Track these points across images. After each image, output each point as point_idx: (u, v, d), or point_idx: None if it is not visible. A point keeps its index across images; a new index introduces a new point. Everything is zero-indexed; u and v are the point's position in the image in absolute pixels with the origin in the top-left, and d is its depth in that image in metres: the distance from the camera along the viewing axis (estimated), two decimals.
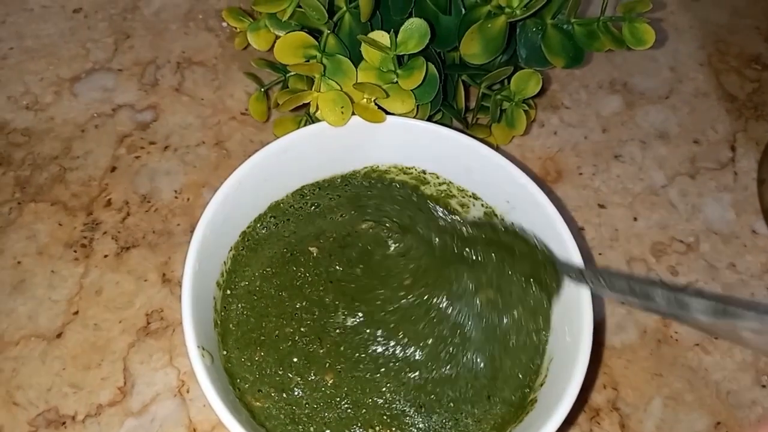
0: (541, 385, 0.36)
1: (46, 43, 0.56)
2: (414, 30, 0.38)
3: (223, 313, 0.37)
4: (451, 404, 0.36)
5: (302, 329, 0.37)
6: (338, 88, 0.39)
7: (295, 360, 0.36)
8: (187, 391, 0.43)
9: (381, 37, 0.39)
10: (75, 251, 0.47)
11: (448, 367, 0.36)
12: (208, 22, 0.59)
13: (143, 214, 0.49)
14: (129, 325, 0.45)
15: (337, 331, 0.37)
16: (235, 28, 0.48)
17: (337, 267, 0.39)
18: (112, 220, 0.48)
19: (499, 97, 0.46)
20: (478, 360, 0.36)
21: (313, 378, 0.36)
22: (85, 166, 0.51)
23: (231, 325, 0.37)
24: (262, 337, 0.37)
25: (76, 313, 0.45)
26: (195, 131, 0.53)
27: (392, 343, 0.36)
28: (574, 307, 0.36)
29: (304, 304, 0.38)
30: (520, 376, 0.37)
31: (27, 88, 0.54)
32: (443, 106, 0.46)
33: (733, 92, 0.60)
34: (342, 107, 0.38)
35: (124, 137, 0.52)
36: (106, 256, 0.47)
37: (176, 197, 0.50)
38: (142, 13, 0.59)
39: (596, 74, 0.60)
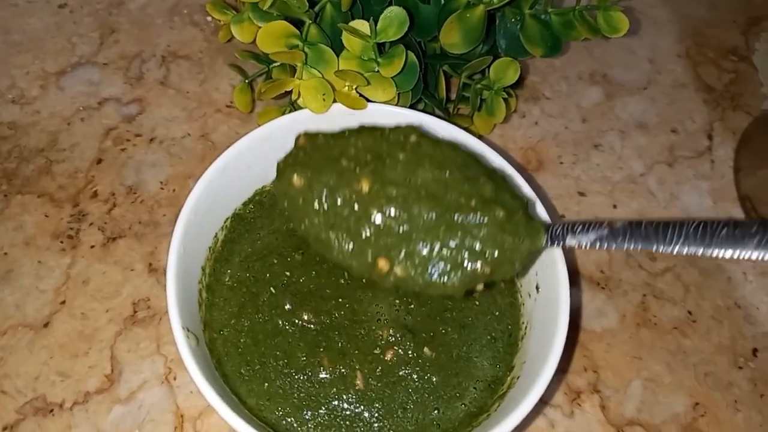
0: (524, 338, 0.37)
1: (32, 38, 0.56)
2: (393, 18, 0.39)
3: (208, 297, 0.38)
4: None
5: (286, 309, 0.38)
6: (320, 76, 0.40)
7: (281, 342, 0.37)
8: (174, 378, 0.43)
9: (361, 25, 0.40)
10: (62, 242, 0.47)
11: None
12: (193, 17, 0.59)
13: (129, 205, 0.49)
14: (116, 314, 0.45)
15: (322, 317, 0.38)
16: (219, 20, 0.48)
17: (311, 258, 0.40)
18: (99, 211, 0.49)
19: (479, 86, 0.47)
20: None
21: (298, 360, 0.36)
22: (72, 159, 0.51)
23: (216, 309, 0.38)
24: (247, 321, 0.37)
25: (63, 302, 0.45)
26: (180, 123, 0.53)
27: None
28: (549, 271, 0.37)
29: (288, 287, 0.38)
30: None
31: (13, 81, 0.54)
32: (425, 95, 0.47)
33: (711, 83, 0.61)
34: (324, 94, 0.39)
35: (110, 130, 0.53)
36: (92, 246, 0.48)
37: (162, 188, 0.50)
38: (127, 8, 0.59)
39: (576, 66, 0.61)
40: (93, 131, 0.52)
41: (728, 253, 0.30)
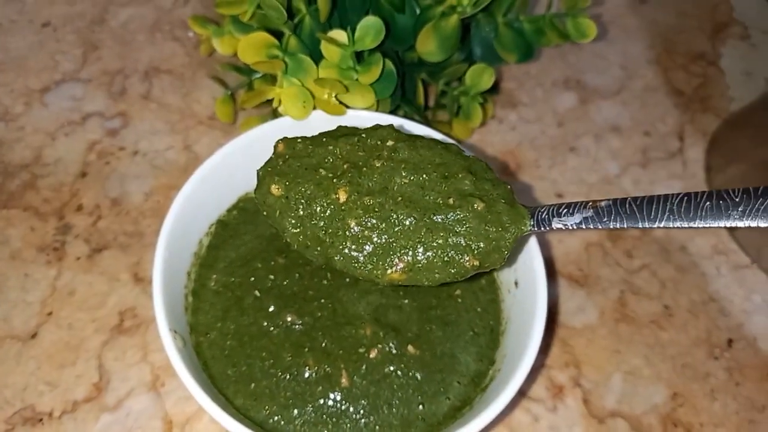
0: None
1: (15, 56, 0.57)
2: (370, 27, 0.40)
3: (193, 301, 0.39)
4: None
5: (270, 312, 0.38)
6: (300, 84, 0.41)
7: (267, 343, 0.37)
8: (162, 385, 0.44)
9: (339, 35, 0.41)
10: (47, 254, 0.48)
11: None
12: (174, 33, 0.60)
13: (114, 217, 0.50)
14: (102, 324, 0.46)
15: (306, 318, 0.38)
16: (201, 34, 0.50)
17: (296, 261, 0.41)
18: (84, 223, 0.49)
19: (455, 92, 0.49)
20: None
21: (284, 360, 0.37)
22: (56, 173, 0.52)
23: (201, 313, 0.38)
24: (233, 324, 0.38)
25: (50, 314, 0.46)
26: (163, 136, 0.54)
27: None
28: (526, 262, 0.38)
29: (272, 289, 0.39)
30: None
31: None
32: (404, 102, 0.49)
33: (681, 87, 0.63)
34: (304, 101, 0.40)
35: (94, 144, 0.53)
36: (78, 258, 0.48)
37: (146, 200, 0.51)
38: (109, 25, 0.60)
39: (551, 73, 0.63)
40: (77, 146, 0.53)
41: (714, 224, 0.30)
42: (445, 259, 0.32)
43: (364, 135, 0.35)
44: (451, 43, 0.46)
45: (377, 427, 0.36)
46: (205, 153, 0.53)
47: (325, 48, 0.41)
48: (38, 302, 0.46)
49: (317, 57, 0.42)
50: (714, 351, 0.49)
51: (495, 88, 0.57)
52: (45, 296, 0.46)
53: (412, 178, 0.33)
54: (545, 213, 0.34)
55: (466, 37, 0.49)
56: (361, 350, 0.37)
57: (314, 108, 0.41)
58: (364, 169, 0.34)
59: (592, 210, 0.32)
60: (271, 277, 0.40)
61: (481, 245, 0.32)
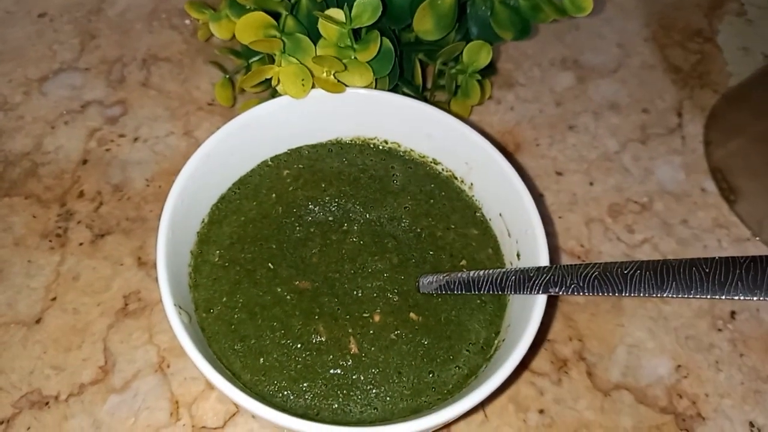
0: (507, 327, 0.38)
1: (14, 47, 0.57)
2: (367, 3, 0.41)
3: (197, 278, 0.39)
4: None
5: (273, 291, 0.38)
6: (299, 63, 0.41)
7: (278, 312, 0.38)
8: (168, 366, 0.44)
9: (336, 13, 0.41)
10: (50, 241, 0.48)
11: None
12: (172, 20, 0.60)
13: (116, 203, 0.50)
14: (107, 308, 0.46)
15: (317, 283, 0.39)
16: (198, 20, 0.50)
17: (298, 234, 0.41)
18: (86, 209, 0.50)
19: (453, 71, 0.49)
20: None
21: (294, 329, 0.37)
22: (57, 161, 0.52)
23: (204, 289, 0.38)
24: (242, 297, 0.38)
25: (54, 299, 0.46)
26: (164, 122, 0.54)
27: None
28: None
29: (272, 268, 0.39)
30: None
31: None
32: (402, 82, 0.49)
33: (678, 64, 0.63)
34: (303, 80, 0.40)
35: (94, 131, 0.53)
36: (81, 244, 0.48)
37: (148, 185, 0.51)
38: (106, 15, 0.60)
39: (548, 53, 0.63)
40: (77, 133, 0.53)
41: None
42: None
43: None
44: (448, 21, 0.46)
45: (388, 398, 0.36)
46: (205, 138, 0.53)
47: (322, 26, 0.41)
48: (42, 288, 0.46)
49: (315, 37, 0.42)
50: (717, 323, 0.49)
51: (492, 69, 0.58)
52: (49, 282, 0.46)
53: None
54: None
55: (463, 17, 0.49)
56: (366, 314, 0.38)
57: (313, 86, 0.41)
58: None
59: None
60: (284, 248, 0.40)
61: None
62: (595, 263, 0.34)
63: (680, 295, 0.30)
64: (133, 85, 0.56)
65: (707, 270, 0.30)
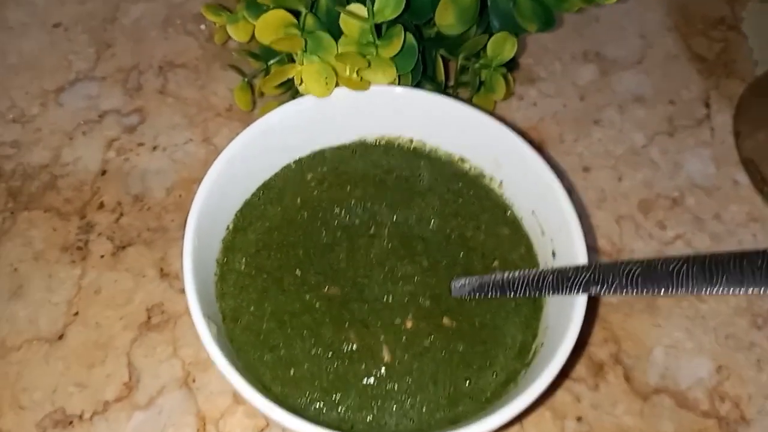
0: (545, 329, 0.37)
1: (29, 58, 0.57)
2: None
3: (223, 288, 0.38)
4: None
5: (301, 298, 0.37)
6: (321, 61, 0.40)
7: (308, 320, 0.37)
8: (193, 381, 0.43)
9: (358, 8, 0.40)
10: (71, 254, 0.47)
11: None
12: (187, 26, 0.60)
13: (137, 213, 0.49)
14: (130, 321, 0.45)
15: (347, 289, 0.38)
16: (215, 23, 0.49)
17: (325, 239, 0.40)
18: (106, 221, 0.49)
19: (477, 65, 0.47)
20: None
21: (325, 337, 0.36)
22: (76, 172, 0.51)
23: (231, 298, 0.37)
24: (270, 305, 0.37)
25: (77, 313, 0.45)
26: (182, 130, 0.53)
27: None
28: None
29: (300, 275, 0.38)
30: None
31: (12, 102, 0.54)
32: (424, 78, 0.47)
33: (702, 53, 0.62)
34: (326, 78, 0.39)
35: (113, 141, 0.53)
36: (102, 256, 0.47)
37: (168, 195, 0.50)
38: (121, 23, 0.59)
39: (568, 47, 0.61)
40: (95, 144, 0.52)
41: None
42: None
43: None
44: (471, 14, 0.45)
45: (424, 408, 0.35)
46: (225, 144, 0.52)
47: (344, 22, 0.40)
48: (64, 302, 0.45)
49: (336, 34, 0.41)
50: (757, 320, 0.47)
51: (514, 63, 0.56)
52: (71, 296, 0.46)
53: None
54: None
55: (484, 11, 0.48)
56: (397, 321, 0.36)
57: (336, 85, 0.40)
58: None
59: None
60: (308, 257, 0.39)
61: None
62: (636, 260, 0.32)
63: (731, 291, 0.29)
64: (150, 93, 0.55)
65: (759, 262, 0.28)
